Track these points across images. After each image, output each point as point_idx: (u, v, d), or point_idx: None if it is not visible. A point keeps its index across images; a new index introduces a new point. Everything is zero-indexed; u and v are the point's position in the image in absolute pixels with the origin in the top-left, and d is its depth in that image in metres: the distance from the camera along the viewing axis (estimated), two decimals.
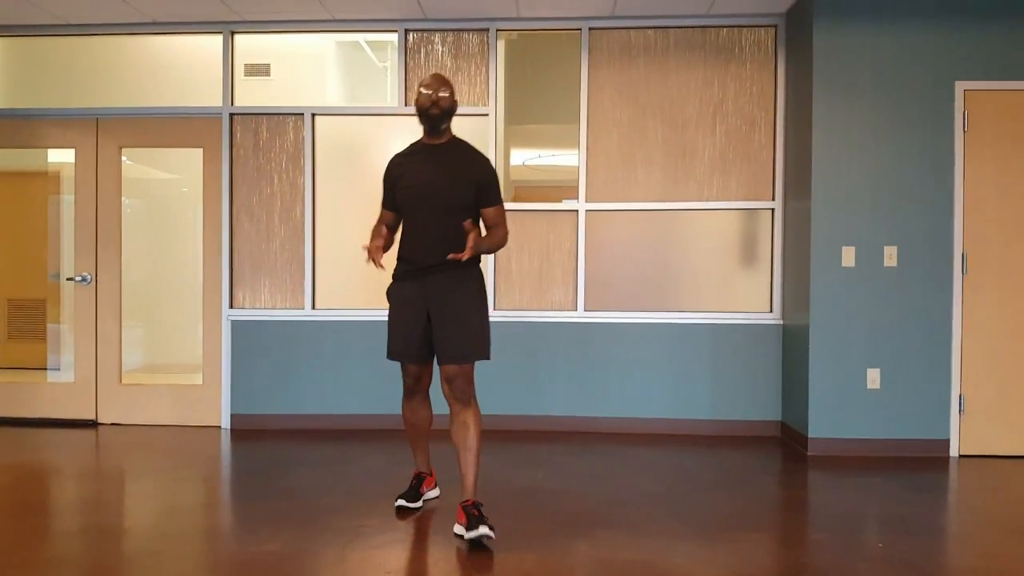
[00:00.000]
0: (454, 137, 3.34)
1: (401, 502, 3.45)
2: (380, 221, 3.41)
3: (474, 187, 3.24)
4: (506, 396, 5.08)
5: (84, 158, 5.27)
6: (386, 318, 3.34)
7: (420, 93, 3.23)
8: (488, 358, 3.28)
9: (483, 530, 2.98)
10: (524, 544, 3.06)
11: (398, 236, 3.38)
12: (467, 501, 3.14)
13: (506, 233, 3.35)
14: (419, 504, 3.50)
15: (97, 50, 5.33)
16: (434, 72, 3.49)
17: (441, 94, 3.20)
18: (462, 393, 3.22)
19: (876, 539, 3.18)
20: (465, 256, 3.04)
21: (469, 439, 3.20)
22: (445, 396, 3.25)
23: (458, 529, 3.12)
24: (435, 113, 3.20)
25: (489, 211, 3.31)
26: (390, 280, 3.35)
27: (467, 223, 3.08)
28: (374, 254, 3.15)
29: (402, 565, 2.87)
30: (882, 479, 4.05)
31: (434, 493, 3.62)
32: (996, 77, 4.48)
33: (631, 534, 3.18)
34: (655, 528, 3.26)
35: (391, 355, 3.35)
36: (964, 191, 4.51)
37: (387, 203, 3.40)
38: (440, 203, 3.21)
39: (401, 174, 3.31)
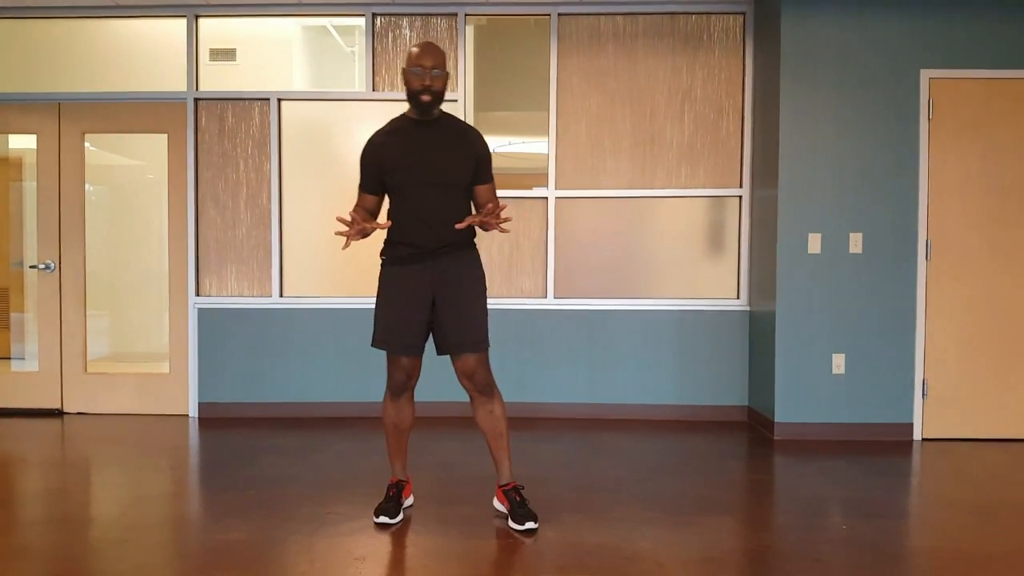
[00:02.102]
0: (443, 113, 3.09)
1: (384, 519, 3.14)
2: (359, 207, 3.08)
3: (474, 163, 3.04)
4: None
5: (46, 144, 5.17)
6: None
7: (411, 72, 2.92)
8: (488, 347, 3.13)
9: (529, 525, 3.04)
10: (490, 530, 3.07)
11: (382, 218, 3.13)
12: (507, 484, 3.17)
13: None
14: (400, 519, 3.19)
15: (59, 33, 5.21)
16: (425, 42, 3.00)
17: (434, 75, 2.92)
18: (485, 386, 3.10)
19: (840, 521, 3.23)
20: (473, 222, 2.90)
21: (499, 426, 3.14)
22: (467, 390, 3.13)
23: (498, 505, 3.23)
24: (426, 101, 2.94)
25: (484, 188, 3.12)
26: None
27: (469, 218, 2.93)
28: (352, 229, 2.87)
29: (369, 552, 2.87)
30: (846, 463, 4.11)
31: (410, 501, 3.35)
32: (960, 65, 4.54)
33: (598, 519, 3.20)
34: (621, 512, 3.29)
35: (384, 344, 3.05)
36: (928, 178, 4.57)
37: (368, 187, 3.08)
38: (439, 182, 2.98)
39: (389, 155, 3.00)
